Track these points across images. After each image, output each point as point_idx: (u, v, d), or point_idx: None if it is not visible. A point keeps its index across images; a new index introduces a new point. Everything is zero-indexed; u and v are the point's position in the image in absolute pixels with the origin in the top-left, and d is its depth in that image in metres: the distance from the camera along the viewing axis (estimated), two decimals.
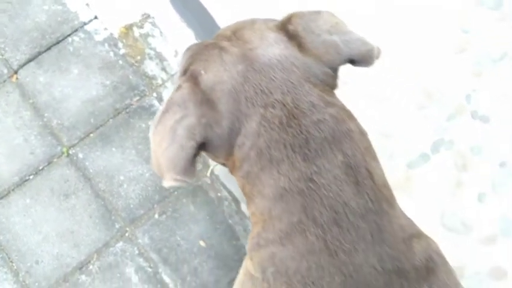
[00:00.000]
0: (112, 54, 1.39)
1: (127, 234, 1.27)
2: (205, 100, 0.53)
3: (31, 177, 1.29)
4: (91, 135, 1.31)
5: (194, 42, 1.42)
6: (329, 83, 0.57)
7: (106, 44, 1.38)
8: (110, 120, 1.33)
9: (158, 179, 1.30)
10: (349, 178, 0.52)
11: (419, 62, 1.02)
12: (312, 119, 0.53)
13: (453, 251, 0.96)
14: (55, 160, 1.30)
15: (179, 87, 0.56)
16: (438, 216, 0.95)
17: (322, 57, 0.55)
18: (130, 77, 1.38)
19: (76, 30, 1.40)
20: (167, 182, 0.55)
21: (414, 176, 0.98)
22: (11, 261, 1.24)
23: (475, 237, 0.93)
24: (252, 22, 0.61)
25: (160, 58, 1.39)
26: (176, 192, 1.28)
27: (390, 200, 0.60)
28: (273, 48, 0.55)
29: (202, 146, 0.55)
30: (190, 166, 0.53)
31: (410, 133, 0.99)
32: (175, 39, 1.40)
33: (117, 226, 1.26)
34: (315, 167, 0.52)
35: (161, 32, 1.41)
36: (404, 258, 0.53)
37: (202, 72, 0.55)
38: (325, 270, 0.51)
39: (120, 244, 1.26)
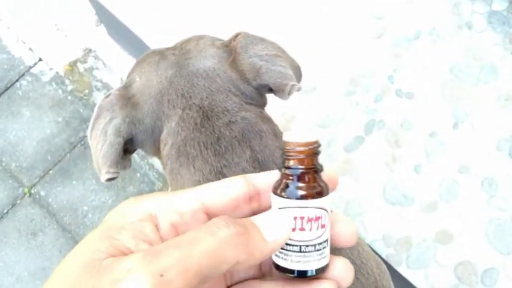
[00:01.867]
0: (60, 91, 1.34)
1: None
2: (130, 103, 0.56)
3: None
4: (50, 172, 1.24)
5: None
6: (253, 98, 0.59)
7: (53, 83, 1.31)
8: (67, 154, 1.25)
9: (118, 201, 1.27)
10: (255, 170, 0.53)
11: (341, 52, 1.02)
12: (224, 121, 0.54)
13: (398, 223, 0.95)
14: (18, 201, 1.25)
15: (108, 95, 0.59)
16: (380, 192, 0.94)
17: (245, 75, 0.58)
18: (81, 110, 1.34)
19: (23, 75, 1.35)
20: (103, 176, 0.56)
21: (352, 158, 0.97)
22: None
23: (417, 207, 0.92)
24: (201, 37, 0.63)
25: (107, 88, 1.35)
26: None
27: None
28: (205, 60, 0.58)
29: (131, 142, 0.57)
30: (120, 159, 0.56)
31: (343, 119, 0.98)
32: (118, 68, 1.37)
33: None
34: (225, 161, 0.53)
35: (104, 64, 1.37)
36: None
37: (137, 78, 0.58)
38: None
39: None
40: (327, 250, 0.25)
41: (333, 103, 0.98)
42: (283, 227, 0.24)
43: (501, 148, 0.94)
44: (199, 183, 0.53)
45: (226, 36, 0.87)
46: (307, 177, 0.25)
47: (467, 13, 1.05)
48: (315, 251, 0.24)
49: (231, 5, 1.04)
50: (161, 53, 0.61)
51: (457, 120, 0.96)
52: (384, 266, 0.64)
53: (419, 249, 0.89)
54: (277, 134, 0.60)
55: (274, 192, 0.25)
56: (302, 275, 0.24)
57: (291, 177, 0.25)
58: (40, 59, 1.35)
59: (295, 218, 0.24)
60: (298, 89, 0.60)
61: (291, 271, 0.24)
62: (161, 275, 0.19)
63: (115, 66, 1.34)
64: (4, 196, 1.22)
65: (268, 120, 0.61)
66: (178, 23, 1.04)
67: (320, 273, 0.25)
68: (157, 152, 0.60)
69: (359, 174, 0.94)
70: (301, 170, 0.24)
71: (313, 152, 0.25)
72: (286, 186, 0.25)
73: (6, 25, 1.36)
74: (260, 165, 0.53)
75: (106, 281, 0.20)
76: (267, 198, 0.26)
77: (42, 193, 1.23)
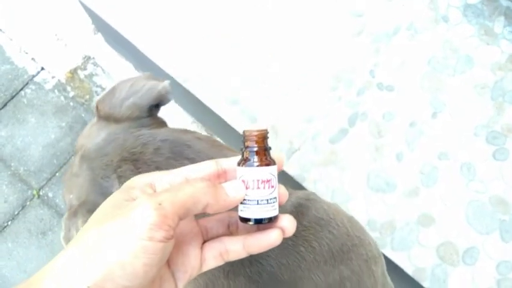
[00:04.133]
0: (62, 98, 1.38)
1: None
2: (84, 208, 0.58)
3: (9, 223, 1.27)
4: (57, 174, 1.28)
5: (134, 72, 1.44)
6: (153, 122, 0.62)
7: (56, 90, 1.35)
8: (72, 157, 1.30)
9: None
10: None
11: (323, 50, 1.05)
12: (150, 152, 0.55)
13: (382, 208, 0.98)
14: (28, 203, 1.29)
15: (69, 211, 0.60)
16: (364, 180, 0.97)
17: (133, 117, 0.60)
18: (83, 115, 1.38)
19: (27, 84, 1.39)
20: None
21: (337, 149, 1.00)
22: None
23: (400, 193, 0.95)
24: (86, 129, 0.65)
25: None
26: None
27: None
28: (98, 137, 0.59)
29: None
30: None
31: (327, 113, 1.02)
32: (117, 73, 1.40)
33: None
34: None
35: (103, 70, 1.40)
36: None
37: (71, 196, 0.60)
38: None
39: None
40: (276, 204, 0.34)
41: (318, 98, 1.02)
42: (240, 188, 0.33)
43: (478, 134, 0.97)
44: None
45: (210, 40, 0.91)
46: (260, 152, 0.34)
47: (444, 7, 1.08)
48: (267, 204, 0.34)
49: (216, 9, 1.08)
50: (70, 166, 0.63)
51: (436, 110, 1.00)
52: (355, 219, 0.65)
53: (402, 232, 0.92)
54: (200, 137, 0.61)
55: (238, 164, 0.34)
56: (258, 222, 0.34)
57: (248, 153, 0.34)
58: (42, 68, 1.38)
59: (253, 181, 0.33)
60: (167, 84, 0.64)
61: (250, 219, 0.34)
62: (159, 204, 0.29)
63: (113, 72, 1.37)
64: (14, 199, 1.27)
65: (184, 131, 0.62)
66: (169, 30, 1.08)
67: (271, 222, 0.34)
68: None
69: (344, 164, 0.98)
70: (255, 148, 0.34)
71: (263, 135, 0.34)
72: (246, 159, 0.34)
73: (9, 37, 1.40)
74: None
75: (125, 210, 0.30)
76: (231, 175, 0.35)
77: (50, 194, 1.27)
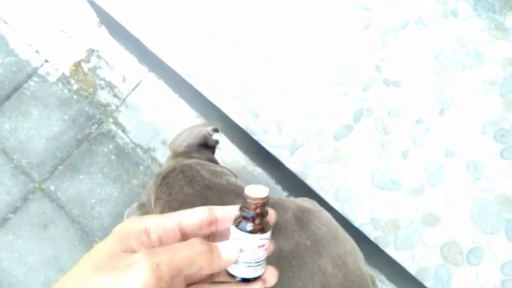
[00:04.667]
0: (66, 91, 1.37)
1: None
2: (143, 208, 0.83)
3: (11, 215, 1.28)
4: (59, 167, 1.27)
5: (137, 66, 1.42)
6: (201, 157, 0.83)
7: (60, 83, 1.34)
8: (74, 151, 1.28)
9: (126, 196, 1.30)
10: (190, 185, 0.71)
11: (329, 44, 1.02)
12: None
13: (386, 207, 0.96)
14: (30, 196, 1.28)
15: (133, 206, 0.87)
16: (368, 178, 0.95)
17: (186, 153, 0.83)
18: (86, 108, 1.37)
19: (31, 76, 1.38)
20: None
21: (342, 146, 0.98)
22: None
23: (405, 191, 0.93)
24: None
25: (111, 86, 1.38)
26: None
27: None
28: (166, 165, 0.84)
29: None
30: None
31: (332, 109, 0.99)
32: (121, 67, 1.39)
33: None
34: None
35: (107, 63, 1.39)
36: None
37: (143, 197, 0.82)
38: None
39: None
40: (265, 263, 0.36)
41: (322, 94, 1.00)
42: (234, 252, 0.35)
43: (486, 132, 0.95)
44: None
45: (214, 33, 0.88)
46: (259, 219, 0.35)
47: (453, 1, 1.05)
48: (258, 265, 0.35)
49: (221, 5, 1.06)
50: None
51: (443, 107, 0.97)
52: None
53: (406, 231, 0.90)
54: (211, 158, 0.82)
55: (234, 223, 0.35)
56: (245, 280, 0.36)
57: (246, 218, 0.35)
58: (46, 61, 1.38)
59: (248, 246, 0.35)
60: (210, 129, 0.85)
61: (237, 277, 0.36)
62: (158, 265, 0.30)
63: (117, 65, 1.36)
64: (17, 191, 1.26)
65: (215, 171, 0.76)
66: (172, 24, 1.06)
67: (256, 279, 0.36)
68: None
69: (348, 161, 0.96)
70: (255, 215, 0.35)
71: (262, 204, 0.35)
72: (243, 222, 0.35)
73: (13, 29, 1.39)
74: (191, 178, 0.73)
75: (122, 264, 0.30)
76: (222, 224, 0.37)
77: (52, 188, 1.26)
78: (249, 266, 0.35)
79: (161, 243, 0.34)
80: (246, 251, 0.34)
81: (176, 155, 0.83)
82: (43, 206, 1.24)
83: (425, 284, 0.87)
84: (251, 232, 0.34)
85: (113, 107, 1.33)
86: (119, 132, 1.31)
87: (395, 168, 0.94)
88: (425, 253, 0.89)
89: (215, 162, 0.86)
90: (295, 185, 1.01)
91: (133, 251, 0.32)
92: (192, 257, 0.32)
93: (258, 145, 1.00)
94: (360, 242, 0.72)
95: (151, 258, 0.30)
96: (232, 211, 0.37)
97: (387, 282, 1.11)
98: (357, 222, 0.92)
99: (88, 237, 1.22)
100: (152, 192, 0.77)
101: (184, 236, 0.36)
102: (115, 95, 1.34)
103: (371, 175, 0.94)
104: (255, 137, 0.98)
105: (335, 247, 0.62)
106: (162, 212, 0.72)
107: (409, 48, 1.02)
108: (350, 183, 0.95)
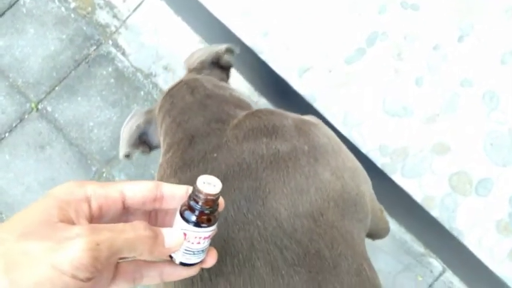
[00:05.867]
0: (63, 9, 1.28)
1: (104, 175, 1.18)
2: (150, 114, 0.81)
3: (6, 135, 1.23)
4: (56, 88, 1.21)
5: None
6: (211, 74, 0.79)
7: (56, 1, 1.25)
8: (72, 72, 1.22)
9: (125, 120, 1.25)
10: (192, 95, 0.69)
11: None
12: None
13: (396, 134, 0.92)
14: (26, 116, 1.23)
15: (141, 108, 0.84)
16: (380, 103, 0.91)
17: (198, 69, 0.80)
18: (84, 28, 1.29)
19: None
20: (121, 153, 0.82)
21: (353, 70, 0.93)
22: (0, 213, 1.22)
23: (417, 119, 0.89)
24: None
25: (110, 6, 1.30)
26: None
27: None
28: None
29: (146, 136, 0.80)
30: (136, 145, 0.80)
31: (345, 31, 0.94)
32: None
33: (94, 169, 1.18)
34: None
35: None
36: (226, 114, 0.64)
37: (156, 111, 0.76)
38: (175, 134, 0.65)
39: None
40: (207, 249, 0.36)
41: (335, 14, 0.93)
42: (178, 241, 0.33)
43: (506, 61, 0.90)
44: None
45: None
46: (204, 214, 0.33)
47: None
48: (201, 253, 0.35)
49: None
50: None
51: (462, 33, 0.91)
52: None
53: (415, 159, 0.87)
54: (217, 84, 0.73)
55: (181, 214, 0.34)
56: (185, 265, 0.35)
57: (193, 210, 0.33)
58: None
59: (194, 237, 0.34)
60: (223, 47, 0.80)
61: (177, 260, 0.35)
62: (97, 244, 0.28)
63: None
64: (12, 111, 1.22)
65: (221, 86, 0.73)
66: None
67: (196, 264, 0.36)
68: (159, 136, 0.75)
69: (359, 86, 0.91)
70: (205, 209, 0.33)
71: (212, 200, 0.33)
72: (189, 214, 0.33)
73: None
74: (196, 93, 0.69)
75: (59, 235, 0.28)
76: (168, 202, 0.35)
77: (49, 108, 1.22)
78: (191, 253, 0.34)
79: (101, 213, 0.33)
80: (189, 240, 0.34)
81: (189, 71, 0.81)
82: (40, 127, 1.21)
83: (431, 212, 0.85)
84: (196, 225, 0.33)
85: (113, 29, 1.26)
86: (119, 55, 1.24)
87: (407, 95, 0.90)
88: (433, 182, 0.86)
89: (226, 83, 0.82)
90: (303, 111, 0.97)
91: (71, 222, 0.30)
92: (134, 241, 0.30)
93: (264, 67, 0.95)
94: (366, 169, 0.68)
95: (91, 235, 0.28)
96: (180, 191, 0.35)
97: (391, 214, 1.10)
98: (364, 149, 0.89)
99: (86, 160, 1.19)
100: (159, 100, 0.75)
101: (126, 210, 0.34)
102: (115, 16, 1.27)
103: (382, 101, 0.90)
104: (262, 56, 0.92)
105: (334, 158, 0.58)
106: (163, 118, 0.68)
107: None
108: (359, 109, 0.91)
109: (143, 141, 0.81)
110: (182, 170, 0.57)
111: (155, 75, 1.24)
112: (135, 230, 0.31)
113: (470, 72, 0.90)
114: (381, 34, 0.92)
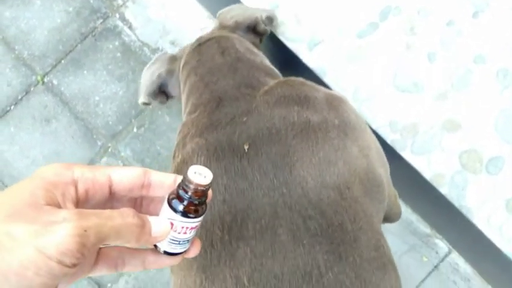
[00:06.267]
0: None
1: (109, 150, 1.17)
2: (173, 63, 0.81)
3: (12, 107, 1.22)
4: (62, 61, 1.20)
5: None
6: (243, 37, 0.76)
7: None
8: (78, 45, 1.20)
9: (131, 96, 1.25)
10: (222, 55, 0.67)
11: None
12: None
13: (406, 110, 0.90)
14: (32, 89, 1.22)
15: (164, 53, 0.85)
16: (390, 79, 0.89)
17: (232, 28, 0.79)
18: (91, 1, 1.24)
19: None
20: (140, 99, 0.83)
21: (364, 44, 0.91)
22: (6, 186, 1.22)
23: (427, 95, 0.88)
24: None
25: None
26: (151, 106, 1.23)
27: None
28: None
29: (166, 86, 0.81)
30: (156, 93, 0.80)
31: (358, 5, 0.92)
32: None
33: (99, 143, 1.18)
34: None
35: None
36: (255, 80, 0.62)
37: (182, 61, 0.75)
38: (202, 94, 0.64)
39: (104, 159, 1.18)
40: (192, 239, 0.35)
41: None
42: (164, 231, 0.33)
43: None
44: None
45: None
46: (194, 203, 0.33)
47: None
48: (187, 243, 0.35)
49: None
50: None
51: (477, 9, 0.89)
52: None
53: (425, 136, 0.86)
54: (244, 44, 0.72)
55: (169, 204, 0.33)
56: (169, 254, 0.35)
57: (182, 199, 0.33)
58: None
59: (181, 227, 0.33)
60: (269, 19, 0.79)
61: (161, 249, 0.35)
62: (85, 230, 0.27)
63: None
64: (18, 83, 1.21)
65: (239, 41, 0.72)
66: None
67: (180, 254, 0.35)
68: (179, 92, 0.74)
69: (370, 60, 0.89)
70: (194, 200, 0.33)
71: (202, 191, 0.33)
72: (178, 203, 0.33)
73: None
74: (225, 51, 0.68)
75: (45, 218, 0.27)
76: (155, 190, 0.34)
77: (55, 82, 1.21)
78: (176, 243, 0.34)
79: (87, 197, 0.32)
80: (176, 230, 0.33)
81: (221, 27, 0.79)
82: (45, 100, 1.20)
83: (440, 189, 0.84)
84: (184, 215, 0.33)
85: (120, 2, 1.24)
86: (126, 28, 1.23)
87: (419, 70, 0.88)
88: (443, 159, 0.85)
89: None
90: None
91: (58, 205, 0.29)
92: (122, 228, 0.30)
93: (274, 40, 0.93)
94: None
95: (79, 221, 0.27)
96: (169, 180, 0.35)
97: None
98: (374, 124, 0.87)
99: (91, 134, 1.18)
100: (185, 54, 0.73)
101: (111, 195, 0.34)
102: None
103: (393, 76, 0.88)
104: (272, 29, 0.90)
105: (361, 136, 0.57)
106: (188, 75, 0.69)
107: None
108: (370, 84, 0.89)
109: (162, 91, 0.80)
110: (209, 130, 0.55)
111: (161, 50, 1.23)
112: (123, 217, 0.30)
113: (484, 48, 0.88)
114: (394, 8, 0.90)
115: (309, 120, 0.53)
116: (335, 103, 0.58)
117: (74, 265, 0.27)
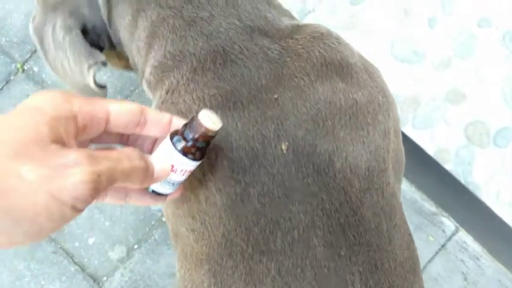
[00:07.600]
0: None
1: None
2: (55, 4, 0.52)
3: None
4: None
5: None
6: None
7: None
8: None
9: (116, 80, 1.19)
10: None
11: None
12: None
13: (406, 81, 0.84)
14: (12, 78, 1.17)
15: (33, 18, 0.53)
16: (388, 48, 0.83)
17: None
18: None
19: None
20: (89, 74, 0.51)
21: (358, 11, 0.84)
22: None
23: (428, 64, 0.82)
24: None
25: None
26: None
27: None
28: None
29: (91, 32, 0.51)
30: (90, 49, 0.50)
31: None
32: None
33: None
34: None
35: None
36: (264, 20, 0.44)
37: None
38: (187, 38, 0.42)
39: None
40: (181, 184, 0.37)
41: None
42: (165, 172, 0.33)
43: None
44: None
45: None
46: (198, 147, 0.33)
47: None
48: (174, 185, 0.35)
49: None
50: None
51: None
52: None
53: (427, 109, 0.80)
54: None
55: (171, 139, 0.33)
56: (156, 194, 0.36)
57: (186, 139, 0.33)
58: None
59: (181, 170, 0.34)
60: None
61: (151, 189, 0.35)
62: (99, 176, 0.27)
63: None
64: None
65: None
66: None
67: (166, 195, 0.36)
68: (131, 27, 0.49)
69: (365, 28, 0.83)
70: (201, 144, 0.33)
71: (211, 136, 0.33)
72: (181, 141, 0.33)
73: None
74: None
75: (55, 161, 0.26)
76: (149, 129, 0.34)
77: (36, 69, 1.15)
78: (170, 184, 0.35)
79: (84, 131, 0.31)
80: (177, 174, 0.34)
81: None
82: (27, 89, 1.14)
83: (445, 166, 0.79)
84: (184, 154, 0.33)
85: None
86: None
87: (419, 37, 0.82)
88: (447, 133, 0.79)
89: None
90: None
91: (62, 142, 0.28)
92: (130, 172, 0.30)
93: None
94: None
95: (92, 166, 0.27)
96: (165, 119, 0.34)
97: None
98: None
99: None
100: None
101: (106, 129, 0.33)
102: None
103: (391, 45, 0.82)
104: None
105: (395, 112, 0.49)
106: (144, 9, 0.46)
107: None
108: (365, 53, 0.82)
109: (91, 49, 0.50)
110: (224, 111, 0.40)
111: None
112: (131, 160, 0.30)
113: (489, 11, 0.81)
114: None
115: (355, 101, 0.43)
116: (372, 70, 0.48)
117: (83, 209, 0.28)
